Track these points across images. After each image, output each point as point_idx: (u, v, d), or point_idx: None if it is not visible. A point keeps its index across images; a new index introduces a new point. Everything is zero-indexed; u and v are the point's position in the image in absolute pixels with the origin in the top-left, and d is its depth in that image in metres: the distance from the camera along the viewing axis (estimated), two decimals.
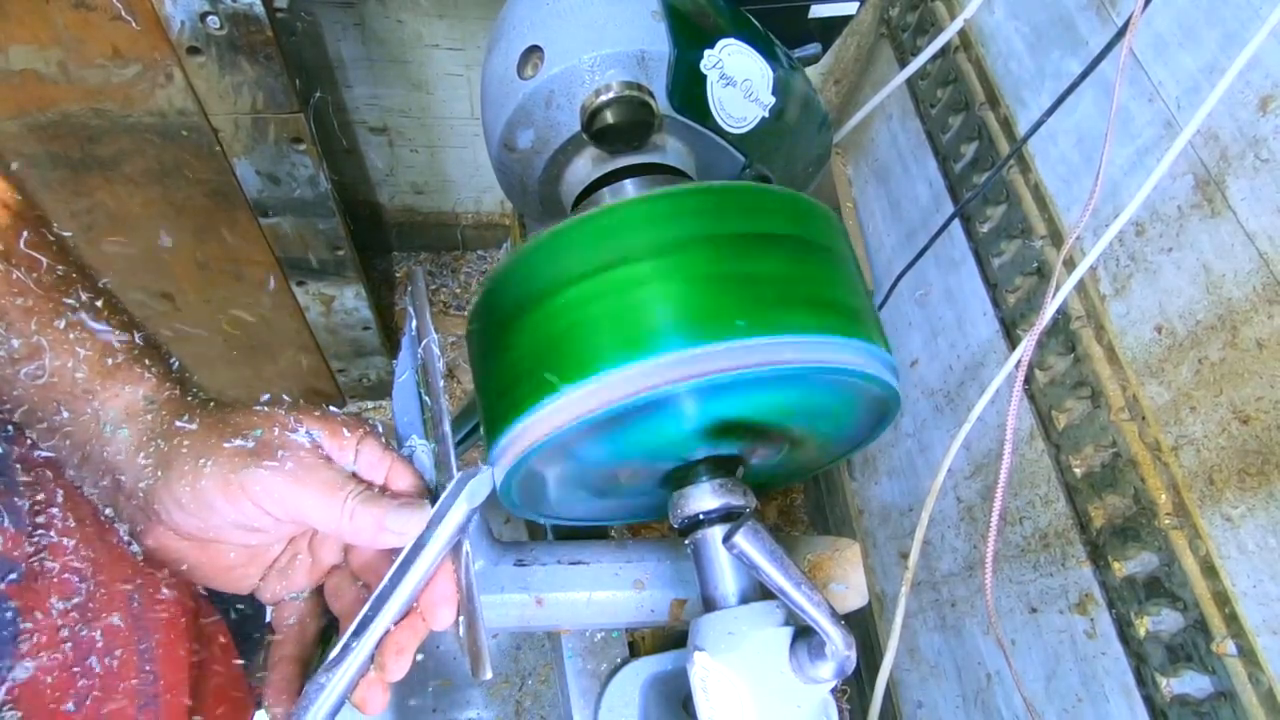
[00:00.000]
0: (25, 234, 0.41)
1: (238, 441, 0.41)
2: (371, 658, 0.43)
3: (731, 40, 0.63)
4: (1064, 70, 0.92)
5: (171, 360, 0.45)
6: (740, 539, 0.47)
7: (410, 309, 0.55)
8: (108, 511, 0.44)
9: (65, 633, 0.39)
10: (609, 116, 0.59)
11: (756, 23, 0.71)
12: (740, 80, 0.64)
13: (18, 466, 0.40)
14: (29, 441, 0.42)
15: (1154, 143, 0.79)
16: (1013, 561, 0.98)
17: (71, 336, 0.41)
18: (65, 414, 0.41)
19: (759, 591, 0.53)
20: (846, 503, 1.46)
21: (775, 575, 0.47)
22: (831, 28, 0.79)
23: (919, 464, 1.23)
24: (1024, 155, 0.97)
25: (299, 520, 0.43)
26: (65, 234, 0.45)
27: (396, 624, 0.44)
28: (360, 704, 0.43)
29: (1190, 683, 0.72)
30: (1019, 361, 0.81)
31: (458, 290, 1.82)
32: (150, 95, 0.95)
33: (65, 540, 0.40)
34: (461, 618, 0.45)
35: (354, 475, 0.45)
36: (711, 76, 0.62)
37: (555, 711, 1.02)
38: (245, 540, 0.45)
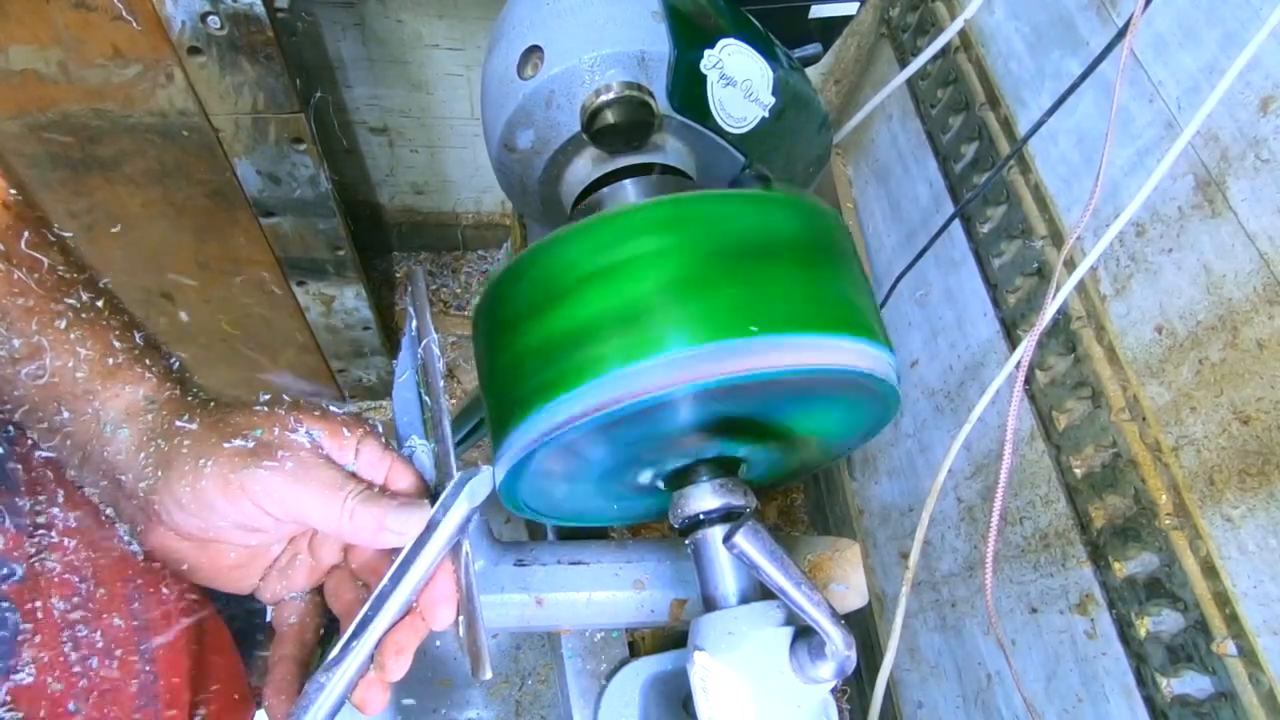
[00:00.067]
0: (26, 234, 0.41)
1: (238, 441, 0.41)
2: (371, 658, 0.43)
3: (732, 40, 0.63)
4: (1064, 70, 0.92)
5: (172, 360, 0.45)
6: (740, 539, 0.47)
7: (410, 309, 0.55)
8: (108, 512, 0.44)
9: (66, 633, 0.39)
10: (609, 116, 0.59)
11: (757, 23, 0.71)
12: (740, 80, 0.64)
13: (19, 467, 0.40)
14: (30, 442, 0.42)
15: (1154, 143, 0.79)
16: (1013, 562, 0.97)
17: (72, 336, 0.41)
18: (66, 414, 0.41)
19: (759, 591, 0.53)
20: (846, 503, 1.46)
21: (775, 575, 0.47)
22: (832, 28, 0.79)
23: (919, 464, 1.23)
24: (1024, 155, 0.97)
25: (299, 520, 0.43)
26: (66, 234, 0.45)
27: (396, 624, 0.44)
28: (360, 704, 0.43)
29: (1191, 683, 0.72)
30: (1019, 362, 0.81)
31: (458, 290, 1.82)
32: (151, 95, 0.95)
33: (66, 540, 0.40)
34: (461, 618, 0.45)
35: (354, 475, 0.45)
36: (712, 77, 0.62)
37: (555, 711, 1.02)
38: (245, 540, 0.45)
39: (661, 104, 0.60)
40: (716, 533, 0.54)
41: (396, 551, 0.44)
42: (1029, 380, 0.92)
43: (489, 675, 0.43)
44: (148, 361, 0.43)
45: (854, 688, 1.45)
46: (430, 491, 0.48)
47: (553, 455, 0.51)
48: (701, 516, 0.54)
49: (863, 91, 1.45)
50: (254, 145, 1.04)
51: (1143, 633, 0.77)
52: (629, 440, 0.52)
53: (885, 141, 1.34)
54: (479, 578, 0.49)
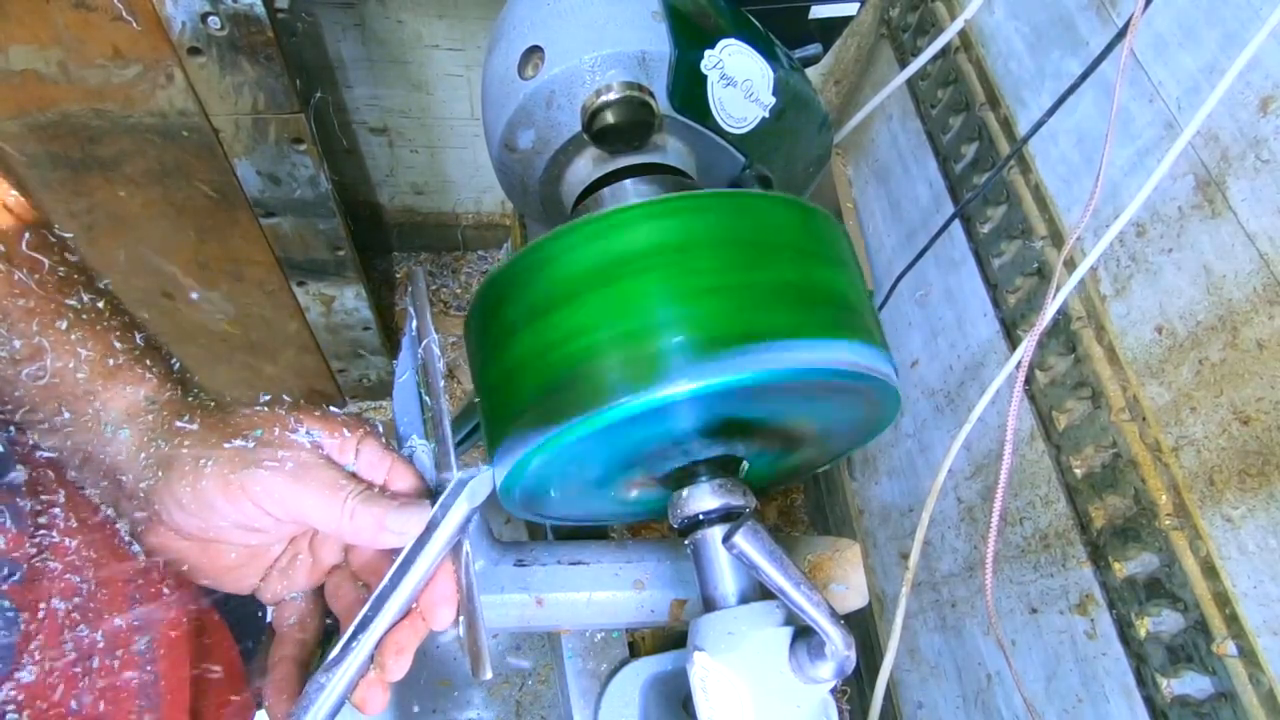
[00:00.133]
0: (27, 235, 0.42)
1: (238, 442, 0.41)
2: (371, 658, 0.43)
3: (732, 40, 0.63)
4: (1064, 70, 0.92)
5: (172, 361, 0.45)
6: (740, 539, 0.47)
7: (411, 309, 0.55)
8: (109, 512, 0.44)
9: (67, 633, 0.39)
10: (609, 117, 0.59)
11: (757, 23, 0.71)
12: (741, 80, 0.64)
13: (20, 467, 0.40)
14: (30, 442, 0.42)
15: (1154, 143, 0.79)
16: (1013, 562, 0.98)
17: (73, 337, 0.41)
18: (66, 414, 0.41)
19: (759, 591, 0.53)
20: (846, 503, 1.46)
21: (775, 575, 0.47)
22: (832, 28, 0.80)
23: (919, 464, 1.23)
24: (1024, 156, 0.97)
25: (299, 520, 0.43)
26: (66, 235, 0.45)
27: (396, 624, 0.44)
28: (360, 704, 0.43)
29: (1191, 683, 0.72)
30: (1019, 362, 0.81)
31: (458, 290, 1.82)
32: (151, 96, 0.95)
33: (67, 541, 0.40)
34: (461, 618, 0.45)
35: (354, 475, 0.45)
36: (712, 77, 0.62)
37: (555, 711, 1.02)
38: (246, 540, 0.45)
39: (662, 104, 0.61)
40: (716, 533, 0.53)
41: (397, 552, 0.44)
42: (1029, 380, 0.93)
43: (489, 675, 0.43)
44: (148, 362, 0.43)
45: (854, 688, 1.45)
46: (430, 491, 0.48)
47: (551, 458, 0.51)
48: (701, 517, 0.54)
49: (863, 91, 1.45)
50: (254, 145, 1.04)
51: (1143, 633, 0.77)
52: (628, 443, 0.52)
53: (885, 142, 1.35)
54: (479, 578, 0.49)
